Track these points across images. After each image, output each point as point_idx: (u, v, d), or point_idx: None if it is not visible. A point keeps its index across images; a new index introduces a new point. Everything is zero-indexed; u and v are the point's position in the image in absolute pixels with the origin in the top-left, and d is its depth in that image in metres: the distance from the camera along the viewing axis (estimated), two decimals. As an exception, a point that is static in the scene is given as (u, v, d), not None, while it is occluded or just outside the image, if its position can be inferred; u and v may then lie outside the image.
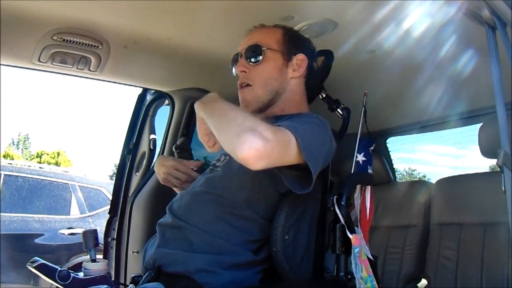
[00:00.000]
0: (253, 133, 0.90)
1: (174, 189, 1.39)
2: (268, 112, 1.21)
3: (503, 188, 0.93)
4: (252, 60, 1.18)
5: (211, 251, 1.06)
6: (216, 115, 1.02)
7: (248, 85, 1.19)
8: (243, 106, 1.21)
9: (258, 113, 1.22)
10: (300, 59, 1.21)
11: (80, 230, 2.96)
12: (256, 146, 0.89)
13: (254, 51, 1.18)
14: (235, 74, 1.23)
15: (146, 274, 1.11)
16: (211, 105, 1.06)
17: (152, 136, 2.02)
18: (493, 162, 1.54)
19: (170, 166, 1.31)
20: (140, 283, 1.09)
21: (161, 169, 1.33)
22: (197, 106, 1.09)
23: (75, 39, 1.43)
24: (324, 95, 1.38)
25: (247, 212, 1.10)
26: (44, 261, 1.11)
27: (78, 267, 1.42)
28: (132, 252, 1.87)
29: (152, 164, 1.97)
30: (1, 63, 1.49)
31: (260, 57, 1.18)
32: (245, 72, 1.19)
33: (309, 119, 1.11)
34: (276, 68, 1.19)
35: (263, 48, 1.17)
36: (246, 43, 1.20)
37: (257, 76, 1.18)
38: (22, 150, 23.19)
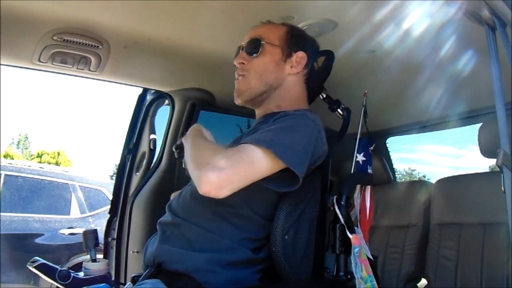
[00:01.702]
0: (206, 167, 0.94)
1: None
2: (264, 108, 1.23)
3: (502, 188, 0.93)
4: (251, 52, 1.20)
5: (209, 249, 1.06)
6: (187, 153, 1.09)
7: (243, 75, 1.21)
8: (236, 95, 1.23)
9: (250, 104, 1.25)
10: (300, 56, 1.21)
11: (80, 230, 2.96)
12: (209, 179, 0.92)
13: (254, 44, 1.20)
14: (235, 64, 1.25)
15: (147, 271, 1.11)
16: (188, 141, 1.12)
17: (152, 136, 2.02)
18: (492, 162, 1.55)
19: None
20: (140, 279, 1.10)
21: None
22: (183, 141, 1.16)
23: (75, 39, 1.43)
24: (324, 95, 1.39)
25: (245, 211, 1.10)
26: (44, 261, 1.11)
27: (78, 267, 1.42)
28: (132, 252, 1.87)
29: (152, 164, 1.97)
30: (1, 63, 1.49)
31: (259, 50, 1.19)
32: (243, 64, 1.21)
33: (290, 120, 1.10)
34: (272, 61, 1.20)
35: (262, 42, 1.19)
36: (248, 37, 1.22)
37: (253, 68, 1.20)
38: (22, 150, 23.18)
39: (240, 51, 1.23)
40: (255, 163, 0.98)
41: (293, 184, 1.04)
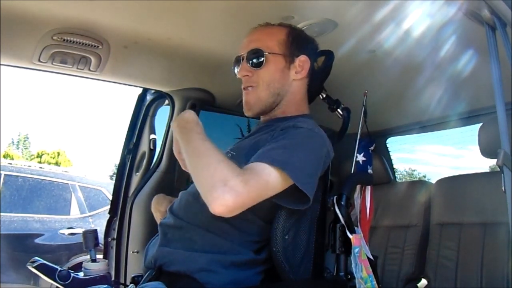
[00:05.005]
0: (223, 188, 0.90)
1: None
2: (270, 114, 1.23)
3: (503, 188, 0.93)
4: (254, 64, 1.18)
5: (212, 250, 1.06)
6: (190, 152, 1.02)
7: (251, 86, 1.20)
8: (246, 109, 1.22)
9: (261, 115, 1.24)
10: (302, 60, 1.20)
11: (80, 230, 2.96)
12: (226, 203, 0.90)
13: (256, 55, 1.18)
14: (238, 77, 1.23)
15: (147, 273, 1.11)
16: (186, 135, 1.06)
17: (152, 136, 2.02)
18: (493, 162, 1.55)
19: (165, 212, 1.29)
20: (141, 282, 1.10)
21: (157, 214, 1.36)
22: (173, 126, 1.11)
23: (75, 39, 1.43)
24: (324, 95, 1.39)
25: (248, 215, 1.09)
26: (44, 261, 1.11)
27: (78, 267, 1.42)
28: (132, 252, 1.87)
29: (152, 164, 1.97)
30: (1, 63, 1.49)
31: (262, 61, 1.17)
32: (248, 76, 1.20)
33: (300, 137, 1.08)
34: (278, 70, 1.19)
35: (264, 53, 1.17)
36: (248, 46, 1.20)
37: (260, 79, 1.19)
38: (22, 150, 23.18)
39: (242, 62, 1.20)
40: (269, 185, 0.98)
41: (302, 203, 1.04)
